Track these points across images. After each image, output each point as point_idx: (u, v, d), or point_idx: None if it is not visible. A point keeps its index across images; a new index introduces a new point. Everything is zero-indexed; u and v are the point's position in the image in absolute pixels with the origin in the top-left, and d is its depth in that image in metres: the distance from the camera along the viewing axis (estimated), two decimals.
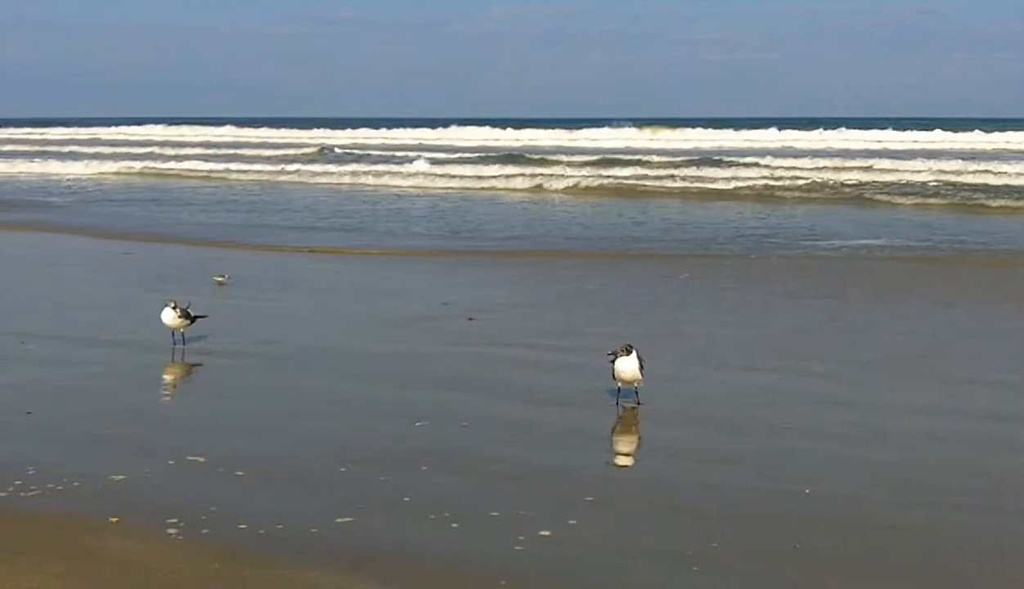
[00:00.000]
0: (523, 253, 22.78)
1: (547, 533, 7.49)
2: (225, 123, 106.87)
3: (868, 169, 45.64)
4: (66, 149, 69.02)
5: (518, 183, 41.93)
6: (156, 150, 66.82)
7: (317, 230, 27.49)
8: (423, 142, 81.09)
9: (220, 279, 18.21)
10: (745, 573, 6.92)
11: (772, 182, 40.57)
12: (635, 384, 10.61)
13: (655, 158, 52.81)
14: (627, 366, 10.47)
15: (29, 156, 61.43)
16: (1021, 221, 29.75)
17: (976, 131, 75.14)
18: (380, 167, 49.49)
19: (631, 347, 10.52)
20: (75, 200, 37.23)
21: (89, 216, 31.00)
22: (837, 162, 49.07)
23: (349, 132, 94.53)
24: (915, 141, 71.90)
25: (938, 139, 73.05)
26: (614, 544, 7.35)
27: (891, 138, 75.77)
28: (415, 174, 45.99)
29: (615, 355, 10.50)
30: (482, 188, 41.60)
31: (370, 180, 45.12)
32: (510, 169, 46.53)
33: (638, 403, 10.65)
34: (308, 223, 29.33)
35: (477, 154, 58.25)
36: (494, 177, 44.15)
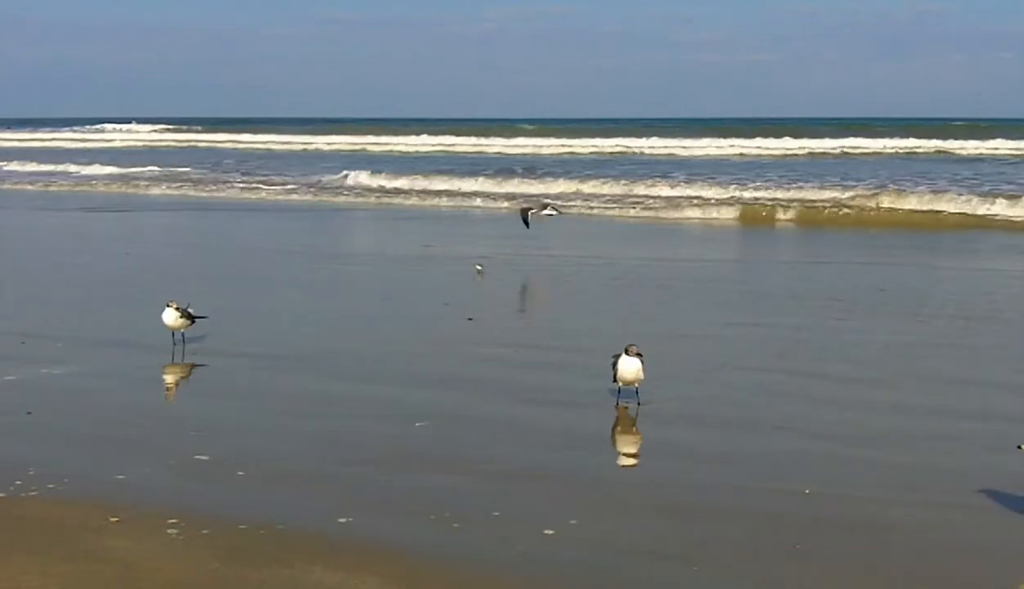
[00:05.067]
0: None
1: (548, 533, 7.49)
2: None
3: None
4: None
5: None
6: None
7: None
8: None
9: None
10: (745, 573, 6.92)
11: None
12: (636, 384, 10.61)
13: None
14: (629, 366, 10.47)
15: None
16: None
17: None
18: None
19: (635, 348, 10.52)
20: None
21: None
22: None
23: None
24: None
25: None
26: (614, 544, 7.34)
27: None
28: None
29: (628, 354, 10.48)
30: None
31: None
32: None
33: (638, 403, 10.65)
34: None
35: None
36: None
